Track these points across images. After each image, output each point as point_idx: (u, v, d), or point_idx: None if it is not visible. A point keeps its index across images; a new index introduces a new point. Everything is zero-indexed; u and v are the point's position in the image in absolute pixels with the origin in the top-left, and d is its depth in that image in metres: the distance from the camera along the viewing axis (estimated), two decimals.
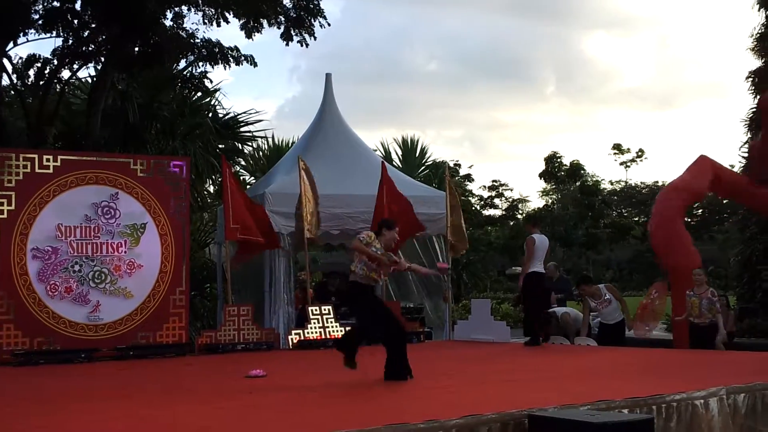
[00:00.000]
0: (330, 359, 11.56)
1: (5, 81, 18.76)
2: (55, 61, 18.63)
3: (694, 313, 12.68)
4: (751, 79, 20.77)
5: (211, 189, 23.86)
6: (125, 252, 12.74)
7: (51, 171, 12.34)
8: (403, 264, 9.30)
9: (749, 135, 20.75)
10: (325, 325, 13.99)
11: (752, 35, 20.90)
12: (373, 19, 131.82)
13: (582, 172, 44.98)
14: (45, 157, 12.49)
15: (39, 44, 42.28)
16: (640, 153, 62.34)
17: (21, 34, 17.74)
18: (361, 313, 9.29)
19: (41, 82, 18.85)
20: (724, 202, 44.36)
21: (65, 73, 19.52)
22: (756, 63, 20.83)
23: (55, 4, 17.39)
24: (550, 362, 10.88)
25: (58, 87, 19.59)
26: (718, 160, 15.63)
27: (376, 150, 25.64)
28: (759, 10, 20.59)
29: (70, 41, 18.17)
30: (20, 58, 19.45)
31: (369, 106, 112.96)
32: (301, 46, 18.81)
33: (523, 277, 13.68)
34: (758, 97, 20.42)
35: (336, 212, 15.58)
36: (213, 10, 18.40)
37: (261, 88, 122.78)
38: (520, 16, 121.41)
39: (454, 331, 15.79)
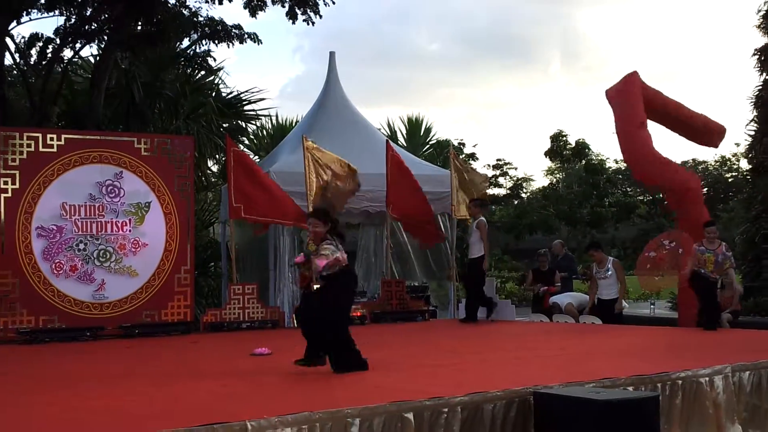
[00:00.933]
0: None
1: (8, 60, 18.71)
2: (58, 41, 18.57)
3: (708, 269, 12.44)
4: (757, 57, 20.66)
5: (215, 168, 23.84)
6: (130, 231, 12.74)
7: (55, 150, 12.34)
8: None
9: (755, 113, 20.67)
10: None
11: (758, 12, 20.78)
12: None
13: (587, 150, 44.79)
14: (49, 136, 12.49)
15: (41, 23, 42.18)
16: None
17: (24, 13, 17.67)
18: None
19: (44, 62, 18.80)
20: (729, 180, 44.25)
21: (68, 53, 19.46)
22: (762, 40, 20.72)
23: None
24: (554, 340, 10.89)
25: (61, 66, 19.53)
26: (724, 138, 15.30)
27: (380, 129, 25.61)
28: None
29: (73, 20, 18.10)
30: (23, 37, 19.39)
31: (373, 86, 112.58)
32: (307, 24, 18.71)
33: (477, 261, 14.05)
34: (764, 74, 20.36)
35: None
36: None
37: (264, 67, 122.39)
38: None
39: (458, 309, 15.80)
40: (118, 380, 7.49)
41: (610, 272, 13.97)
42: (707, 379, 7.07)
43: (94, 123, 17.18)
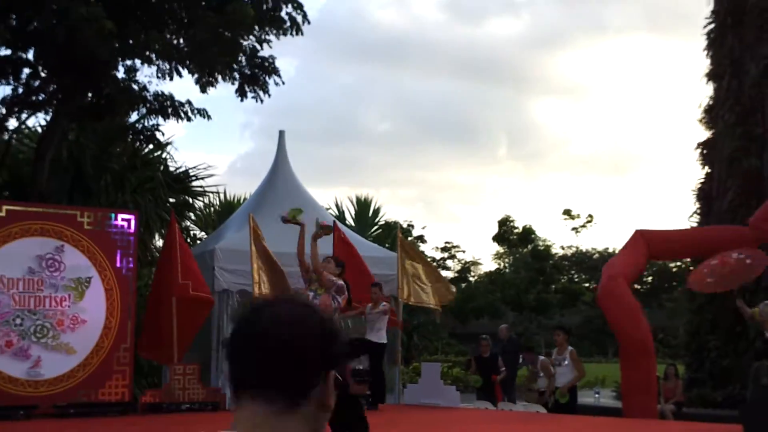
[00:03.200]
0: None
1: None
2: (3, 110, 18.34)
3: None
4: (699, 150, 21.07)
5: (160, 243, 23.55)
6: (69, 306, 12.43)
7: None
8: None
9: (697, 205, 20.98)
10: None
11: (701, 106, 21.27)
12: (327, 78, 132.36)
13: (533, 236, 45.30)
14: None
15: None
16: (590, 218, 63.00)
17: None
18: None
19: None
20: (674, 270, 44.81)
21: (13, 122, 19.22)
22: (705, 134, 21.15)
23: (6, 52, 17.15)
24: (499, 429, 10.74)
25: (5, 135, 19.26)
26: (668, 227, 15.45)
27: (329, 208, 25.56)
28: (707, 82, 20.98)
29: (20, 90, 17.93)
30: None
31: (322, 165, 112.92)
32: (256, 101, 18.71)
33: (384, 346, 14.07)
34: (706, 168, 20.74)
35: (287, 270, 15.38)
36: (167, 65, 18.27)
37: (213, 142, 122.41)
38: (471, 79, 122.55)
39: (404, 394, 15.60)
40: None
41: (566, 361, 13.91)
42: None
43: (37, 194, 16.89)
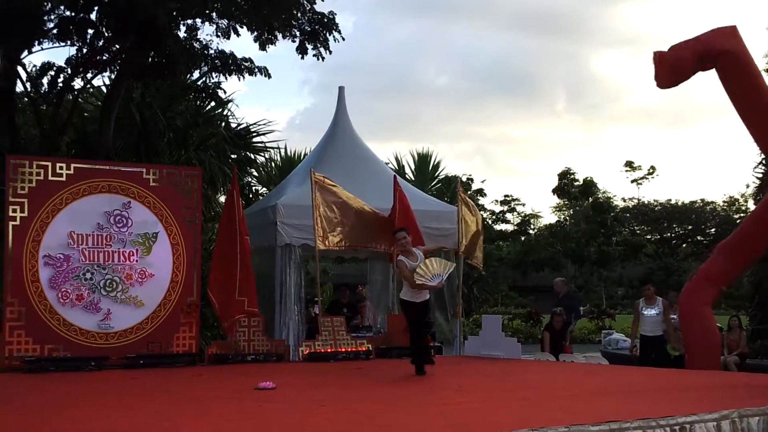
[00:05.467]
0: (340, 372, 11.55)
1: (19, 88, 18.79)
2: (69, 70, 18.66)
3: None
4: None
5: (223, 199, 23.84)
6: (137, 261, 12.72)
7: (64, 179, 12.35)
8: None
9: (762, 155, 20.64)
10: (336, 337, 13.95)
11: (765, 56, 20.85)
12: (384, 33, 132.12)
13: (594, 188, 44.89)
14: (58, 164, 12.49)
15: (53, 52, 42.34)
16: (651, 170, 62.15)
17: (36, 43, 17.79)
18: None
19: (55, 90, 18.88)
20: (737, 221, 44.07)
21: (79, 82, 19.54)
22: None
23: (70, 14, 17.39)
24: (560, 380, 10.81)
25: (71, 95, 19.61)
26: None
27: (388, 163, 25.64)
28: None
29: (84, 50, 18.20)
30: (34, 66, 19.47)
31: (380, 120, 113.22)
32: (317, 59, 18.72)
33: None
34: None
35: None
36: (225, 23, 18.37)
37: (272, 99, 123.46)
38: (529, 32, 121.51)
39: (464, 346, 15.72)
40: (120, 412, 7.44)
41: (655, 311, 14.35)
42: (715, 423, 6.98)
43: (104, 152, 17.22)
